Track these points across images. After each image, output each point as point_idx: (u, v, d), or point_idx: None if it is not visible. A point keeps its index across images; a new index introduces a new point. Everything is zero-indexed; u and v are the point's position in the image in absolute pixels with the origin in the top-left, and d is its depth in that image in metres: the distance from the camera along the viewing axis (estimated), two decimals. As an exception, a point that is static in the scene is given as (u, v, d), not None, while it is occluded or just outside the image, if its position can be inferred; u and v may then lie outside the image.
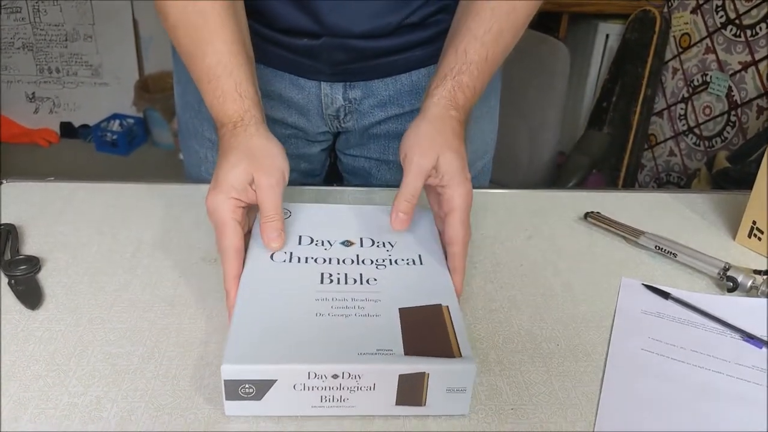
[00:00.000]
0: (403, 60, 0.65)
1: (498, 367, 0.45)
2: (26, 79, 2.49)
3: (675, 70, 1.87)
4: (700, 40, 1.77)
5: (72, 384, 0.42)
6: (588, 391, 0.44)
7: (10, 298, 0.49)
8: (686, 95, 1.84)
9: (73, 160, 2.42)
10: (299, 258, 0.48)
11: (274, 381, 0.38)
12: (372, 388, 0.38)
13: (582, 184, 1.23)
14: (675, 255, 0.58)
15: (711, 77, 1.75)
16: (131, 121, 2.49)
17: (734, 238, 0.63)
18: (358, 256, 0.49)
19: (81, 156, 2.45)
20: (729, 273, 0.55)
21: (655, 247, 0.59)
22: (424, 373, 0.38)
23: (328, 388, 0.38)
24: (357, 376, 0.38)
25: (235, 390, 0.38)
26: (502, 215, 0.66)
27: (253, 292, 0.44)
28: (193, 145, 0.74)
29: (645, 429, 0.41)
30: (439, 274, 0.48)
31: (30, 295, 0.49)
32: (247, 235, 0.50)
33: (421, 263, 0.49)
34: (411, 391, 0.39)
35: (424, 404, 0.39)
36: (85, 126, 2.54)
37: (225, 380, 0.37)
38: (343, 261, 0.48)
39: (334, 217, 0.54)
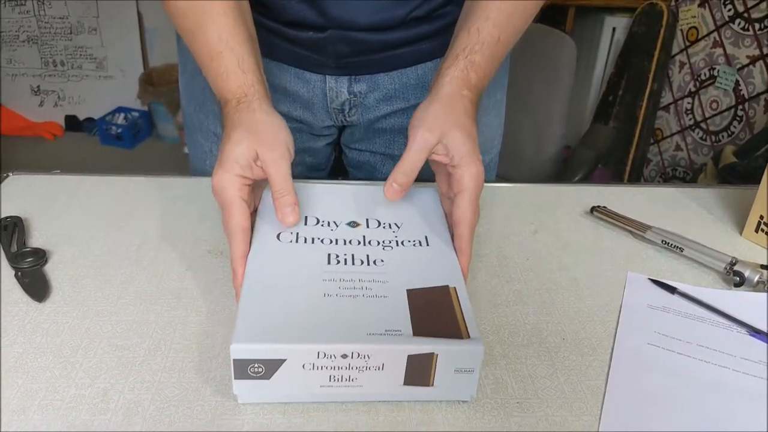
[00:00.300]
0: (409, 53, 0.65)
1: (503, 361, 0.45)
2: (31, 72, 2.50)
3: (682, 64, 1.86)
4: (708, 34, 1.76)
5: (79, 376, 0.42)
6: (593, 386, 0.44)
7: (17, 290, 0.49)
8: (693, 89, 1.83)
9: (78, 154, 2.42)
10: (306, 238, 0.48)
11: (284, 360, 0.38)
12: (380, 368, 0.38)
13: (587, 179, 1.23)
14: (681, 250, 0.58)
15: (718, 71, 1.74)
16: (136, 114, 2.49)
17: (741, 233, 0.63)
18: (364, 237, 0.49)
19: (86, 149, 2.46)
20: (736, 268, 0.54)
21: (662, 241, 0.59)
22: (433, 353, 0.38)
23: (337, 368, 0.38)
24: (366, 356, 0.38)
25: (244, 369, 0.38)
26: (507, 209, 0.66)
27: (261, 272, 0.44)
28: (198, 139, 0.74)
29: (651, 423, 0.41)
30: (445, 255, 0.48)
31: (37, 287, 0.50)
32: (253, 215, 0.50)
33: (428, 244, 0.49)
34: (419, 371, 0.39)
35: (432, 384, 0.39)
36: (89, 119, 2.54)
37: (234, 359, 0.37)
38: (350, 242, 0.48)
39: (340, 197, 0.54)
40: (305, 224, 0.50)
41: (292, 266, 0.45)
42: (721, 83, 1.73)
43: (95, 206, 0.62)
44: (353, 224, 0.51)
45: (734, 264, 0.55)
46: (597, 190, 0.70)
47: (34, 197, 0.63)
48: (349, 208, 0.53)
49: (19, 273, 0.51)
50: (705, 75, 1.78)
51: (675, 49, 1.88)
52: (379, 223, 0.51)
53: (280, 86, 0.67)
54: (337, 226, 0.50)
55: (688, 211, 0.67)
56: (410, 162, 0.48)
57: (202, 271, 0.53)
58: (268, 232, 0.48)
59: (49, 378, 0.42)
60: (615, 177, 1.97)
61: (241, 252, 0.45)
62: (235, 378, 0.38)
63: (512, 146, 0.97)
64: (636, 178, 2.00)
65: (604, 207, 0.64)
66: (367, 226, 0.50)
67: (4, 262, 0.52)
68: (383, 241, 0.48)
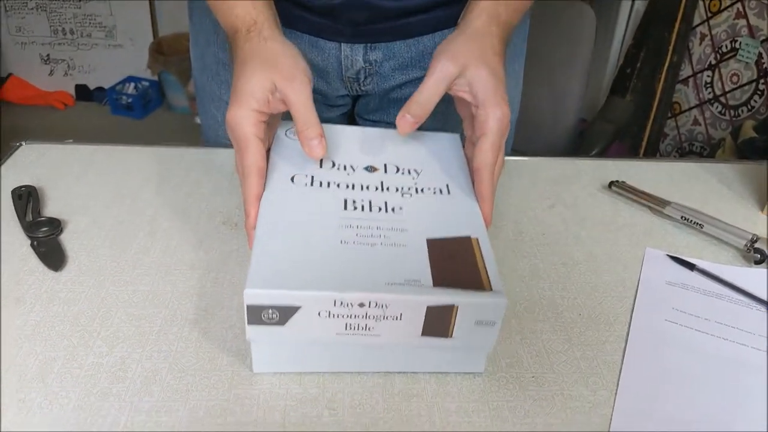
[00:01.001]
0: (426, 21, 0.63)
1: (519, 336, 0.45)
2: (40, 41, 2.48)
3: (703, 36, 1.81)
4: (731, 5, 1.70)
5: (97, 345, 0.42)
6: (610, 360, 0.43)
7: (33, 259, 0.50)
8: (713, 62, 1.78)
9: (89, 123, 2.42)
10: (321, 182, 0.46)
11: (299, 307, 0.37)
12: (398, 318, 0.38)
13: (604, 153, 1.21)
14: (701, 226, 0.57)
15: (740, 43, 1.68)
16: (146, 84, 2.48)
17: (762, 209, 0.62)
18: (382, 182, 0.47)
19: (96, 119, 2.45)
20: (756, 245, 0.53)
21: (681, 217, 0.58)
22: (453, 305, 0.37)
23: (353, 316, 0.37)
24: (384, 306, 0.37)
25: (257, 315, 0.37)
26: (524, 183, 0.65)
27: (275, 216, 0.42)
28: (210, 109, 0.73)
29: (667, 399, 0.41)
30: (467, 204, 0.46)
31: (53, 256, 0.50)
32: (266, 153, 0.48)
33: (449, 193, 0.47)
34: (438, 322, 0.38)
35: (451, 336, 0.39)
36: (100, 89, 2.53)
37: (248, 305, 0.36)
38: (367, 187, 0.46)
39: (356, 139, 0.52)
40: (320, 167, 0.48)
41: (307, 211, 0.43)
42: (743, 56, 1.68)
43: (108, 176, 0.62)
44: (371, 169, 0.49)
45: (755, 241, 0.54)
46: (614, 165, 0.69)
47: (47, 167, 0.63)
48: (366, 152, 0.50)
49: (35, 242, 0.51)
50: (726, 47, 1.73)
51: (696, 20, 1.82)
52: (398, 169, 0.49)
53: (293, 55, 0.65)
54: (353, 170, 0.48)
55: (707, 186, 0.66)
56: (427, 92, 0.45)
57: (217, 242, 0.53)
58: (281, 174, 0.46)
59: (67, 346, 0.42)
60: (631, 151, 1.94)
61: (255, 193, 0.43)
62: (248, 323, 0.37)
63: (528, 118, 0.95)
64: (652, 152, 1.96)
65: (623, 182, 0.63)
66: (385, 172, 0.48)
67: (10, 230, 0.52)
68: (402, 188, 0.47)
